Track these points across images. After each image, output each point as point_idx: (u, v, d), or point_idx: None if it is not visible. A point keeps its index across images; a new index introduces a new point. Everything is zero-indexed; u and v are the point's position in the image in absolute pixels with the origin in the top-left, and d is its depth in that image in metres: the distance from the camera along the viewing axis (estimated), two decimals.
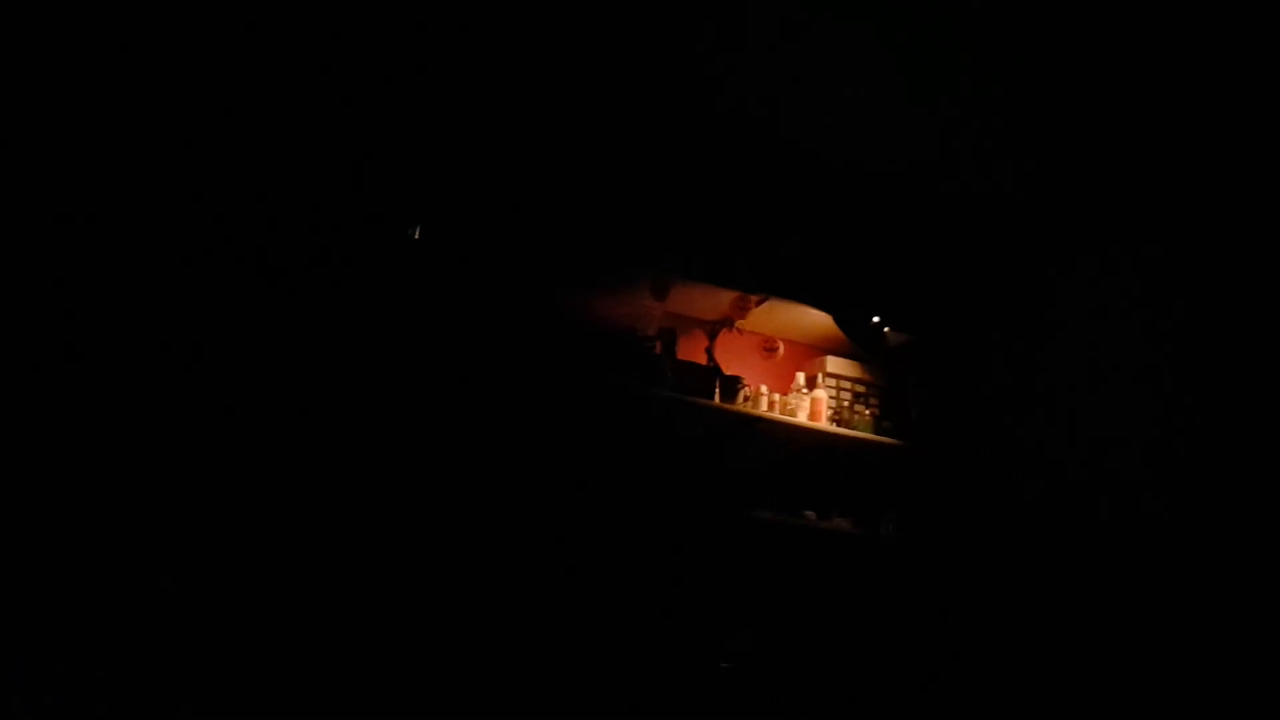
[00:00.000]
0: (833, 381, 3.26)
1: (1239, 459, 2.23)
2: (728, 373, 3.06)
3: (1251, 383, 2.24)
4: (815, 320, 3.19)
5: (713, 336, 3.21)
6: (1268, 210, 2.30)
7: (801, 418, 3.06)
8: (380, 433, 2.55)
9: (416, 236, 2.86)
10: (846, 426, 3.13)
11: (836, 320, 3.12)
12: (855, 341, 3.17)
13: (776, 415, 3.02)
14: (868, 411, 3.20)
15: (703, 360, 3.13)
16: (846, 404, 3.23)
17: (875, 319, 3.13)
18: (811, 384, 3.22)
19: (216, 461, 2.34)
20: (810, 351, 3.44)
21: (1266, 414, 2.18)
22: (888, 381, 3.32)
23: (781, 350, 3.34)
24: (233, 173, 2.52)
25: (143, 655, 2.09)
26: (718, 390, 2.98)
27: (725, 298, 3.08)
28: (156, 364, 2.34)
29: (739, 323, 3.22)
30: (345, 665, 2.27)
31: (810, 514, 3.04)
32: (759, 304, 3.07)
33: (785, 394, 3.13)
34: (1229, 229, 2.42)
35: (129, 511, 2.21)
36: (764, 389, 3.08)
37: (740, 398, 3.00)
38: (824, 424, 3.08)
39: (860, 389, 3.29)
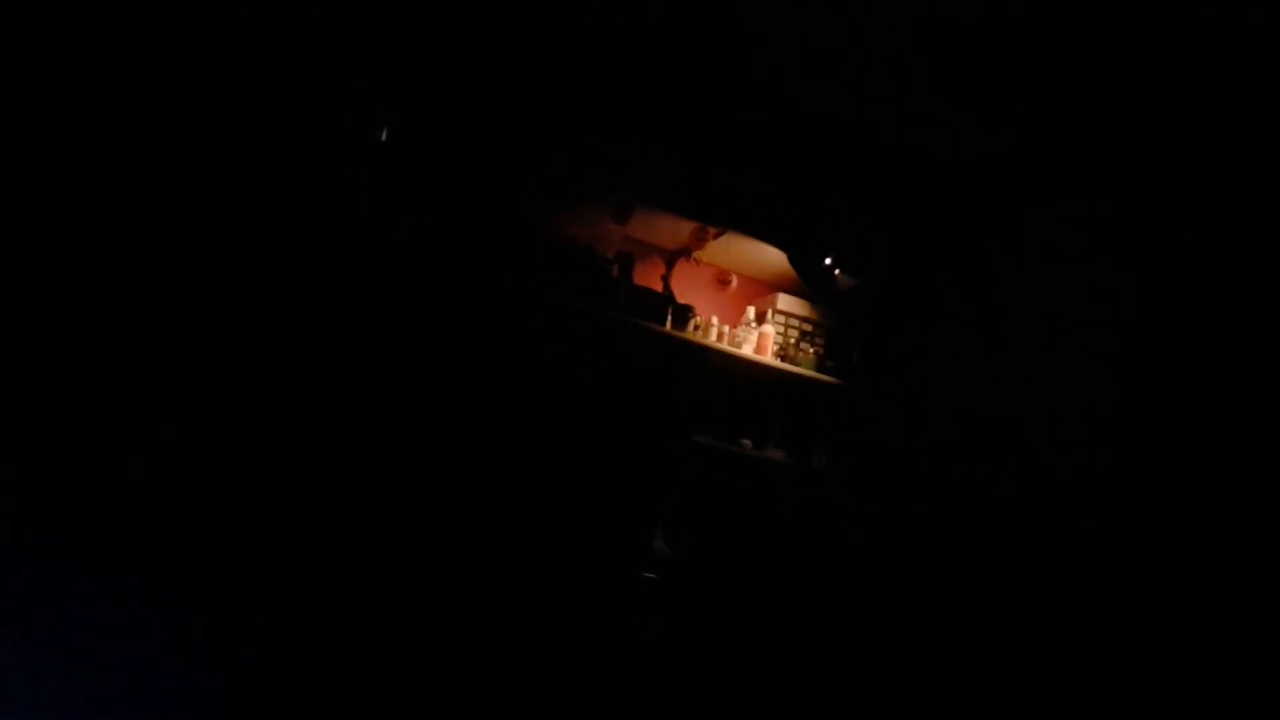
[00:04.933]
0: (781, 318, 3.37)
1: (1184, 426, 2.21)
2: (681, 301, 3.15)
3: (1204, 356, 2.22)
4: (770, 257, 3.28)
5: (670, 265, 3.29)
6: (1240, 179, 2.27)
7: (748, 350, 3.18)
8: (330, 339, 2.61)
9: (384, 139, 2.87)
10: (790, 362, 3.26)
11: (790, 259, 3.22)
12: (807, 281, 3.28)
13: (724, 346, 3.14)
14: (812, 350, 3.33)
15: (658, 287, 3.21)
16: (793, 341, 3.35)
17: (828, 261, 3.23)
18: (761, 319, 3.33)
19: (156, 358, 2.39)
20: (762, 287, 3.54)
21: (1216, 386, 2.17)
22: (834, 323, 3.44)
23: (734, 283, 3.43)
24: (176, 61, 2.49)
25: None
26: (670, 317, 3.08)
27: (685, 227, 3.14)
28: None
29: (696, 253, 3.29)
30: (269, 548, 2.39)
31: (747, 442, 3.19)
32: (717, 236, 3.15)
33: (735, 326, 3.24)
34: (1191, 187, 2.38)
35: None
36: (715, 320, 3.19)
37: (691, 326, 3.11)
38: (769, 358, 3.20)
39: (807, 327, 3.41)
